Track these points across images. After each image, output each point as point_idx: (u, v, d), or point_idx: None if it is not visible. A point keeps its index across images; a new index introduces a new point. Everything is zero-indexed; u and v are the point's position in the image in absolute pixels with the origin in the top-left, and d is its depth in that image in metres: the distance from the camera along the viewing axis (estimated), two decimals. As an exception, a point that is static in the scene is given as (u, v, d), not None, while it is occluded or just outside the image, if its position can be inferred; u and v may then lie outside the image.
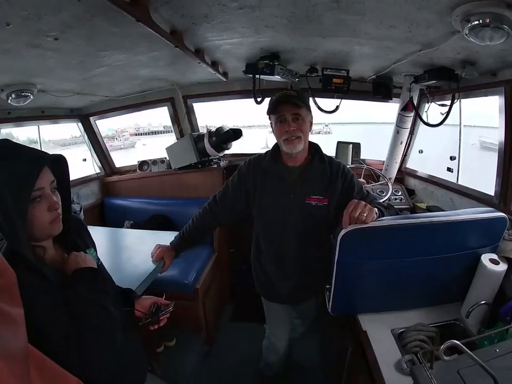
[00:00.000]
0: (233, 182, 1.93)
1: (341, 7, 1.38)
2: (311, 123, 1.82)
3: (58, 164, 1.03)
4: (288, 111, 1.67)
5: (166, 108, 3.61)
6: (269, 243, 1.93)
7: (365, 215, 1.40)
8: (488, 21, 1.25)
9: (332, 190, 1.78)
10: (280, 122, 1.70)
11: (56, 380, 0.69)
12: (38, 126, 3.15)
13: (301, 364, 2.73)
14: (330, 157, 1.87)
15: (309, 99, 1.81)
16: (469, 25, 1.30)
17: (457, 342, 1.03)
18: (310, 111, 1.78)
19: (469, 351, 0.98)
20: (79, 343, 0.89)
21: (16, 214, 0.85)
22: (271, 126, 1.81)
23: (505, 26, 1.26)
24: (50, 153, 0.97)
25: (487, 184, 2.34)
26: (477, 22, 1.27)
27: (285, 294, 2.00)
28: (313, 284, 2.01)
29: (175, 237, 2.07)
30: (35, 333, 0.68)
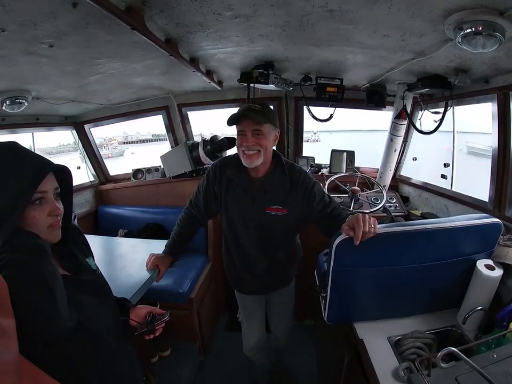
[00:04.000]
0: (203, 186, 1.98)
1: (335, 16, 1.39)
2: (277, 137, 1.82)
3: (63, 174, 1.02)
4: (249, 126, 1.68)
5: (160, 116, 3.61)
6: (235, 244, 2.01)
7: (373, 226, 1.39)
8: (480, 28, 1.27)
9: (291, 200, 1.82)
10: (241, 135, 1.71)
11: None
12: (32, 133, 3.13)
13: (298, 372, 2.71)
14: (292, 166, 1.88)
15: (275, 115, 1.82)
16: (462, 33, 1.32)
17: (454, 349, 1.03)
18: (276, 126, 1.79)
19: (466, 358, 0.98)
20: None
21: (12, 207, 0.85)
22: None
23: (497, 33, 1.29)
24: None
25: (478, 189, 2.37)
26: (470, 30, 1.29)
27: (255, 288, 2.14)
28: (282, 278, 2.16)
29: (165, 245, 2.09)
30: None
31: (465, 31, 1.30)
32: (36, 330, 0.76)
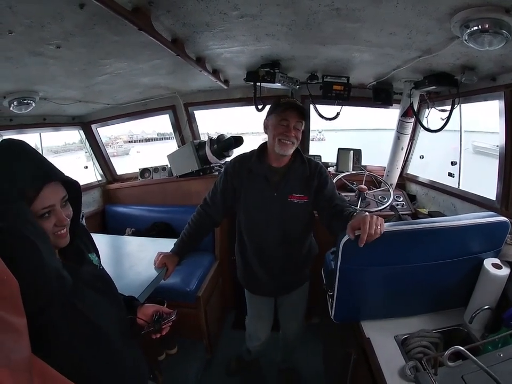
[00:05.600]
0: (221, 181, 2.01)
1: (341, 14, 1.39)
2: (303, 133, 1.91)
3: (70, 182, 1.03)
4: (294, 118, 1.77)
5: (166, 115, 3.63)
6: (252, 239, 2.03)
7: (379, 227, 1.38)
8: (487, 26, 1.26)
9: (310, 187, 1.90)
10: (282, 125, 1.78)
11: None
12: (40, 134, 3.16)
13: (304, 371, 2.71)
14: (309, 158, 1.98)
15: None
16: (468, 30, 1.31)
17: (461, 347, 1.03)
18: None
19: (473, 357, 0.98)
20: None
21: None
22: (265, 125, 1.91)
23: (504, 31, 1.28)
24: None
25: (484, 188, 2.36)
26: (476, 28, 1.29)
27: (269, 288, 2.14)
28: (298, 278, 2.18)
29: (174, 244, 2.10)
30: None
31: (472, 29, 1.30)
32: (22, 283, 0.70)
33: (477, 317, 1.50)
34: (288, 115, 1.76)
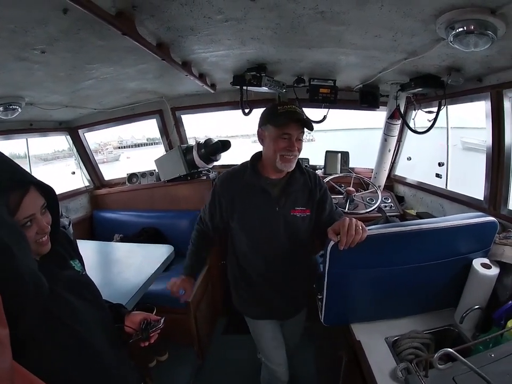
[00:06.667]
0: (209, 204, 1.86)
1: (326, 17, 1.40)
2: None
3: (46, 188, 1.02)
4: (296, 130, 1.61)
5: (154, 120, 3.63)
6: (257, 259, 1.84)
7: (360, 229, 1.37)
8: (472, 27, 1.28)
9: (312, 200, 1.79)
10: (283, 139, 1.61)
11: None
12: (27, 139, 3.14)
13: (296, 374, 2.69)
14: (306, 168, 1.88)
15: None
16: (454, 32, 1.33)
17: (451, 350, 1.04)
18: None
19: (462, 358, 0.99)
20: None
21: None
22: (261, 135, 1.73)
23: (489, 32, 1.29)
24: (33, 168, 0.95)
25: (475, 185, 2.38)
26: (461, 29, 1.30)
27: (275, 310, 1.95)
28: (302, 297, 2.00)
29: (184, 267, 1.97)
30: None
31: (457, 30, 1.32)
32: None
33: (467, 317, 1.50)
34: (291, 128, 1.60)
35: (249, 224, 1.77)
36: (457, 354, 1.02)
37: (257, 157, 1.80)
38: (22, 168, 0.93)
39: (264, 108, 1.73)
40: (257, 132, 1.74)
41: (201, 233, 1.97)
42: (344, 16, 1.40)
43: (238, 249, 1.88)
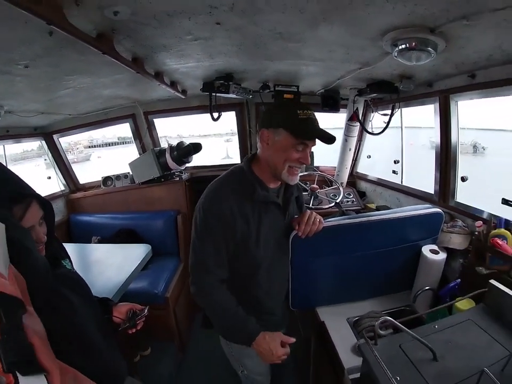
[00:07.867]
0: (218, 233, 1.40)
1: (284, 37, 1.56)
2: None
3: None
4: (313, 142, 1.38)
5: (127, 123, 3.67)
6: (267, 278, 1.56)
7: (318, 222, 1.50)
8: (414, 44, 1.40)
9: (300, 205, 1.75)
10: (299, 151, 1.37)
11: None
12: (4, 146, 3.11)
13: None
14: None
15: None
16: (397, 48, 1.47)
17: (390, 318, 1.17)
18: None
19: (404, 327, 1.12)
20: None
21: None
22: (266, 138, 1.40)
23: (429, 48, 1.43)
24: None
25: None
26: (404, 46, 1.43)
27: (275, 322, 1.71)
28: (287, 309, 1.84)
29: (246, 335, 1.51)
30: None
31: (400, 47, 1.45)
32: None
33: (419, 297, 1.68)
34: (311, 142, 1.38)
35: (262, 244, 1.48)
36: (397, 323, 1.14)
37: (251, 163, 1.51)
38: (25, 182, 1.02)
39: (270, 103, 1.51)
40: (262, 132, 1.41)
41: (218, 287, 1.51)
42: (300, 36, 1.54)
43: (241, 272, 1.53)
